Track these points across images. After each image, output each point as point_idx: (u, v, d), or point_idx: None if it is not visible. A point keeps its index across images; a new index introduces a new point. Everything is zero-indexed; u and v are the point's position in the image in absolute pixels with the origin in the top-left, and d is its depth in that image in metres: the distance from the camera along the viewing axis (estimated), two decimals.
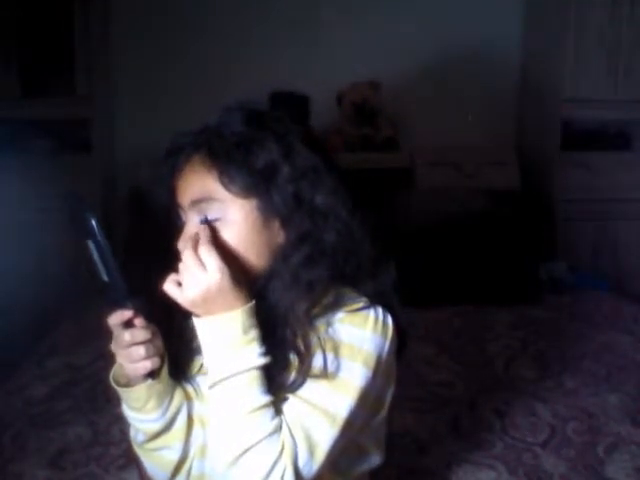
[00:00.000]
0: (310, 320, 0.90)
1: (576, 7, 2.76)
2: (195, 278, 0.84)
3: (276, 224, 0.92)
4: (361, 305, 0.92)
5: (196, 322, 0.87)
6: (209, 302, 0.85)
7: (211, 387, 0.87)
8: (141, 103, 2.97)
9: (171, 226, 0.95)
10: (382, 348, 0.92)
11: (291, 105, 2.69)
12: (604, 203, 2.89)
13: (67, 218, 0.87)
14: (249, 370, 0.85)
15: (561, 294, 2.59)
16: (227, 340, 0.85)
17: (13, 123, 2.73)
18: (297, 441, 0.85)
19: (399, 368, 1.00)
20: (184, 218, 0.93)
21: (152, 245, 0.93)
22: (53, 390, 1.83)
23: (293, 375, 0.89)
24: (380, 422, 1.01)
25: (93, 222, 0.84)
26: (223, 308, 0.85)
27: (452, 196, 2.69)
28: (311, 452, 0.86)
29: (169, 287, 0.86)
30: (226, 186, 0.89)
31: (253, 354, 0.85)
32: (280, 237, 0.92)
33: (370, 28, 2.98)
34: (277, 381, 0.89)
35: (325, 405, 0.88)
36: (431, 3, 3.01)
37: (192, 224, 0.91)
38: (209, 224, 0.89)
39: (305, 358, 0.89)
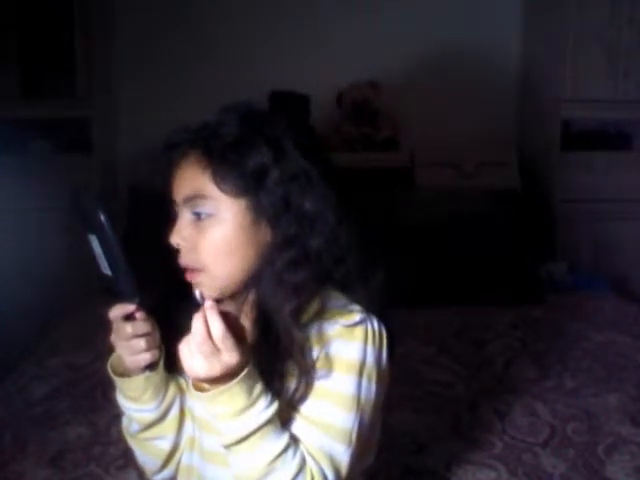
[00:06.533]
0: (298, 324, 0.90)
1: (576, 7, 2.76)
2: (209, 361, 0.82)
3: (264, 225, 0.93)
4: (357, 319, 0.92)
5: (199, 398, 0.87)
6: (216, 377, 0.84)
7: (225, 448, 0.87)
8: (141, 103, 2.97)
9: (167, 221, 0.96)
10: (381, 358, 0.95)
11: (291, 105, 2.69)
12: (604, 203, 2.89)
13: (75, 213, 0.88)
14: (261, 427, 0.85)
15: (561, 294, 2.59)
16: (234, 409, 0.85)
17: (13, 123, 2.73)
18: (324, 468, 0.88)
19: (398, 368, 1.01)
20: (177, 213, 0.95)
21: (150, 240, 0.94)
22: (53, 390, 1.82)
23: (294, 383, 0.90)
24: (375, 424, 1.01)
25: (102, 216, 0.84)
26: (227, 377, 0.84)
27: (452, 196, 2.69)
28: (337, 473, 0.89)
29: (183, 351, 0.85)
30: (218, 185, 0.91)
31: (261, 410, 0.86)
32: (267, 238, 0.93)
33: (370, 28, 2.98)
34: (277, 389, 0.90)
35: (340, 426, 0.90)
36: (431, 3, 3.01)
37: (183, 220, 0.93)
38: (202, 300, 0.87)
39: (301, 362, 0.89)
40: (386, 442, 1.51)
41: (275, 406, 0.87)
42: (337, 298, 0.96)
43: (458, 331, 2.24)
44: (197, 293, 0.87)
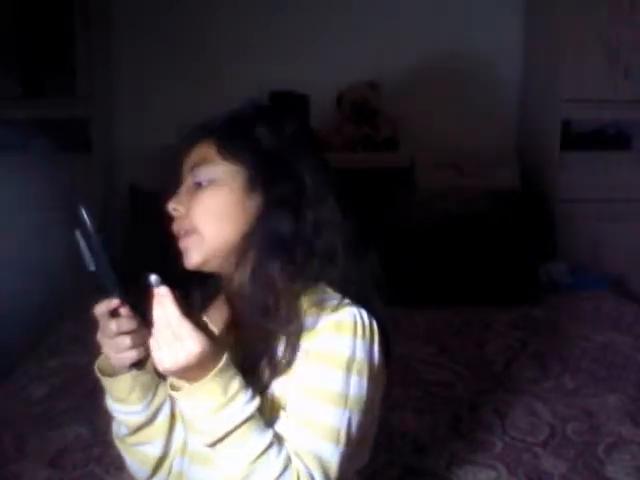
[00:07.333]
0: (287, 283, 0.92)
1: (576, 7, 2.76)
2: (171, 349, 0.82)
3: (257, 195, 0.96)
4: (346, 312, 0.91)
5: (175, 395, 0.86)
6: (186, 370, 0.83)
7: (208, 446, 0.86)
8: (141, 103, 2.97)
9: (168, 220, 0.98)
10: (371, 354, 0.92)
11: (291, 105, 2.69)
12: (604, 203, 2.89)
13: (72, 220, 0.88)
14: (241, 424, 0.84)
15: (561, 294, 2.59)
16: (209, 407, 0.83)
17: (13, 123, 2.73)
18: (310, 468, 0.85)
19: (398, 368, 1.00)
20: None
21: (150, 240, 0.94)
22: (53, 390, 1.83)
23: (280, 351, 0.90)
24: (370, 423, 0.99)
25: (82, 210, 0.84)
26: (199, 372, 0.83)
27: (452, 196, 2.69)
28: (326, 473, 0.86)
29: (152, 344, 0.84)
30: (220, 151, 0.97)
31: (240, 407, 0.84)
32: (260, 209, 0.96)
33: (370, 28, 2.98)
34: (262, 350, 0.91)
35: (328, 424, 0.88)
36: (431, 3, 3.01)
37: (184, 188, 0.98)
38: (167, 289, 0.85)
39: (287, 321, 0.90)
40: (386, 442, 1.52)
41: (255, 403, 0.85)
42: (327, 292, 0.95)
43: (458, 331, 2.24)
44: (153, 278, 0.84)
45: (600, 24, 2.75)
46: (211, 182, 0.96)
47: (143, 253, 0.93)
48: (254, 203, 0.96)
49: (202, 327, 0.84)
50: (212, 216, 0.95)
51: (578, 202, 2.88)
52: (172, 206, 0.96)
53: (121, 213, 2.81)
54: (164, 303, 0.83)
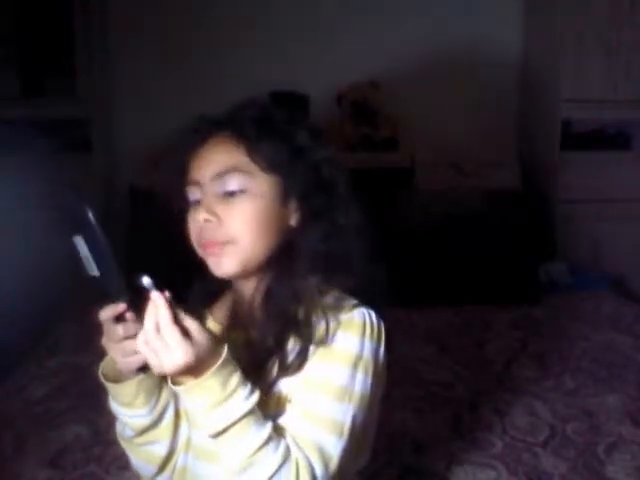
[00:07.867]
0: (319, 295, 0.93)
1: (576, 7, 2.76)
2: (159, 357, 0.82)
3: (293, 204, 0.96)
4: (355, 312, 0.93)
5: (176, 390, 0.86)
6: (182, 372, 0.83)
7: (210, 438, 0.87)
8: (141, 103, 2.97)
9: (175, 220, 0.97)
10: (377, 353, 0.94)
11: (291, 105, 2.68)
12: (604, 203, 2.89)
13: (59, 215, 0.86)
14: (239, 419, 0.84)
15: (561, 294, 2.59)
16: (210, 403, 0.84)
17: (13, 123, 2.72)
18: (311, 458, 0.86)
19: (398, 368, 1.01)
20: (197, 196, 0.95)
21: (150, 240, 0.93)
22: (53, 390, 1.83)
23: (294, 354, 0.91)
24: (370, 422, 1.00)
25: (89, 213, 0.82)
26: (196, 371, 0.83)
27: (452, 196, 2.69)
28: (326, 465, 0.87)
29: (142, 349, 0.84)
30: (254, 159, 0.93)
31: (239, 403, 0.84)
32: (294, 218, 0.96)
33: (370, 28, 2.98)
34: (273, 352, 0.92)
35: (331, 417, 0.89)
36: (431, 3, 3.01)
37: (211, 197, 0.93)
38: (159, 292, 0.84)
39: (306, 330, 0.91)
40: (386, 442, 1.52)
41: (253, 398, 0.85)
42: (337, 292, 0.96)
43: (458, 331, 2.24)
44: (145, 281, 0.83)
45: (600, 24, 2.76)
46: (245, 190, 0.93)
47: (143, 253, 0.92)
48: (290, 213, 0.96)
49: (196, 329, 0.83)
50: (253, 226, 0.92)
51: (578, 202, 2.87)
52: (204, 217, 0.92)
53: (121, 213, 2.81)
54: (157, 308, 0.82)
